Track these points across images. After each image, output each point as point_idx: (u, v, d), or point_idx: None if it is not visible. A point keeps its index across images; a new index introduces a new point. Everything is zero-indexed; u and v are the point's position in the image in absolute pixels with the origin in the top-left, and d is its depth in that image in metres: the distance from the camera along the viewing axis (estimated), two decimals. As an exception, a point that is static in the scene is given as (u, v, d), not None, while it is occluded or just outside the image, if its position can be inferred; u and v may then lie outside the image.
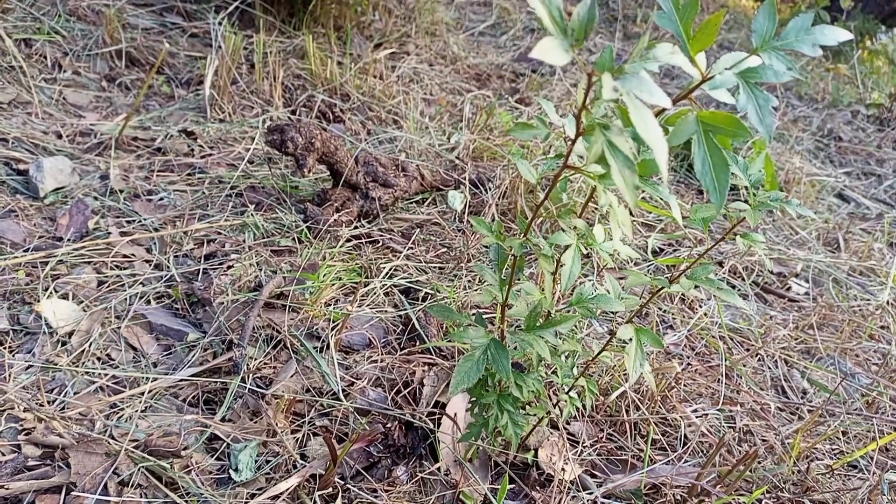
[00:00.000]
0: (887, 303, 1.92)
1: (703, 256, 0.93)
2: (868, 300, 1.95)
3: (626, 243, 1.02)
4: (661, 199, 0.73)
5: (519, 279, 0.92)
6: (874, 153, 3.02)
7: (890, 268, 2.13)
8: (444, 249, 1.82)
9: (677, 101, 0.62)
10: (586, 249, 0.86)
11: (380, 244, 1.79)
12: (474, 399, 1.08)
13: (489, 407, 1.04)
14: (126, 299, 1.46)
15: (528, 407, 1.15)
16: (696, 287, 0.94)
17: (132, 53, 2.46)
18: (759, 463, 1.31)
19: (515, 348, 0.92)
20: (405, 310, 1.54)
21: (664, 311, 1.73)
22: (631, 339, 0.95)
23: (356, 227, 1.84)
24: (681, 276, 0.92)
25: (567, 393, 1.12)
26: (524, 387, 1.00)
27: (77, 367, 1.27)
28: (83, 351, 1.31)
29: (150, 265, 1.58)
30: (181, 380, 1.28)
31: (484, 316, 1.36)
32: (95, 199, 1.74)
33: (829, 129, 3.17)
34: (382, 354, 1.42)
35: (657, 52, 0.57)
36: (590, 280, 1.68)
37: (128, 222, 1.70)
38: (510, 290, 0.91)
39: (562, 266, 0.84)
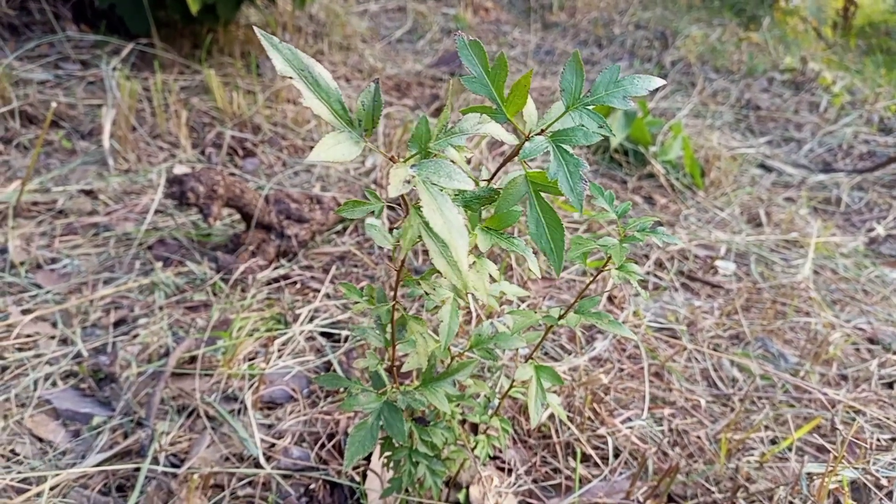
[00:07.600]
0: (809, 276, 1.95)
1: (586, 291, 0.91)
2: (792, 274, 1.97)
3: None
4: (520, 253, 0.70)
5: (403, 336, 0.89)
6: (792, 118, 3.07)
7: (812, 235, 2.16)
8: (368, 280, 1.78)
9: (496, 173, 0.59)
10: (464, 300, 0.83)
11: (299, 284, 1.74)
12: (389, 454, 1.05)
13: (402, 462, 1.01)
14: (30, 385, 1.38)
15: (446, 450, 1.12)
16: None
17: (28, 111, 2.35)
18: (693, 464, 1.30)
19: (409, 407, 0.89)
20: (327, 355, 1.50)
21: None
22: (531, 379, 0.93)
23: (276, 269, 1.79)
24: (568, 312, 0.90)
25: (485, 433, 1.10)
26: (433, 438, 0.97)
27: (-25, 471, 1.20)
28: (-18, 452, 1.24)
29: (56, 341, 1.50)
30: (91, 468, 1.22)
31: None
32: (-8, 278, 1.65)
33: (747, 100, 3.21)
34: (306, 407, 1.37)
35: (464, 124, 0.54)
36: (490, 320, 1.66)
37: (31, 297, 1.62)
38: (395, 351, 0.87)
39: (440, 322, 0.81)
